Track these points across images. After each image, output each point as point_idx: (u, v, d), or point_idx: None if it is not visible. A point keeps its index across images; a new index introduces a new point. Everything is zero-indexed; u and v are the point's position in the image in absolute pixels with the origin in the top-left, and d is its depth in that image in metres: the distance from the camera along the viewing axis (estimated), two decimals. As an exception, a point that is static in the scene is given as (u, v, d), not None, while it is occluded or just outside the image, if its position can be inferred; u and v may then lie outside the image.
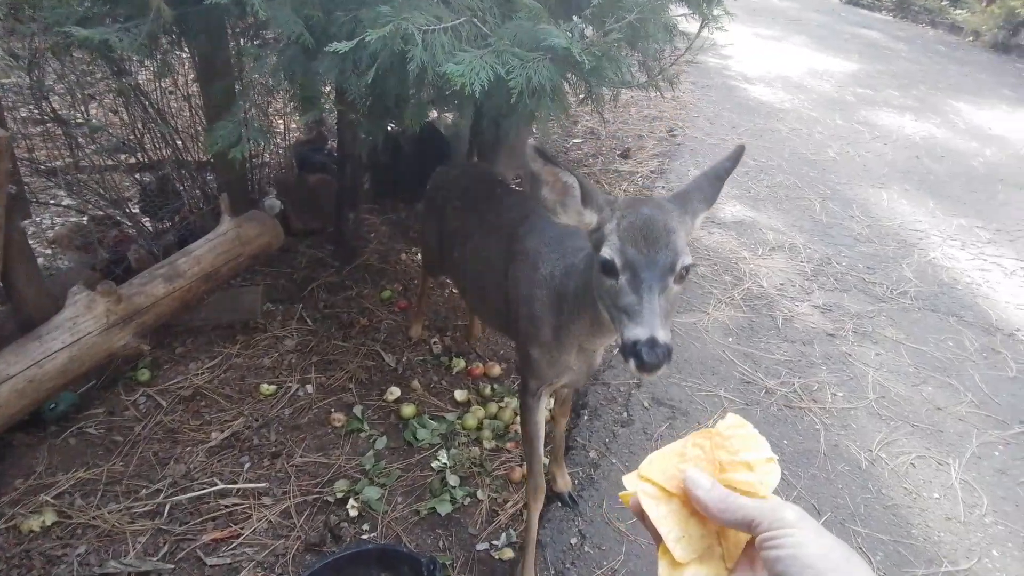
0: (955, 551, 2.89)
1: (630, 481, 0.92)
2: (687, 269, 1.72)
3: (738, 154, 1.97)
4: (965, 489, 3.20)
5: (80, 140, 4.69)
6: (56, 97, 5.01)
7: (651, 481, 0.89)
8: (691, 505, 0.87)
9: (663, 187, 6.28)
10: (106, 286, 3.27)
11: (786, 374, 3.92)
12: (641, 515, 0.90)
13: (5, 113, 4.96)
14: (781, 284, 4.85)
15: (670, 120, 8.17)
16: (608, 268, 1.73)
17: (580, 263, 2.18)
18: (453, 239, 3.12)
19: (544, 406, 2.56)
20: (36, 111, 4.43)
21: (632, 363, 1.59)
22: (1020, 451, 3.43)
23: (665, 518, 0.87)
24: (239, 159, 3.21)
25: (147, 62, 4.37)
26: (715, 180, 1.92)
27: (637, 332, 1.59)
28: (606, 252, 1.73)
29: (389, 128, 4.05)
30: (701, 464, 0.90)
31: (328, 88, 3.62)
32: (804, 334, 4.29)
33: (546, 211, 1.89)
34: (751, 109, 8.77)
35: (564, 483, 3.11)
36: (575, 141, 7.32)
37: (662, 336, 1.58)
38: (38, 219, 5.34)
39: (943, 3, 16.05)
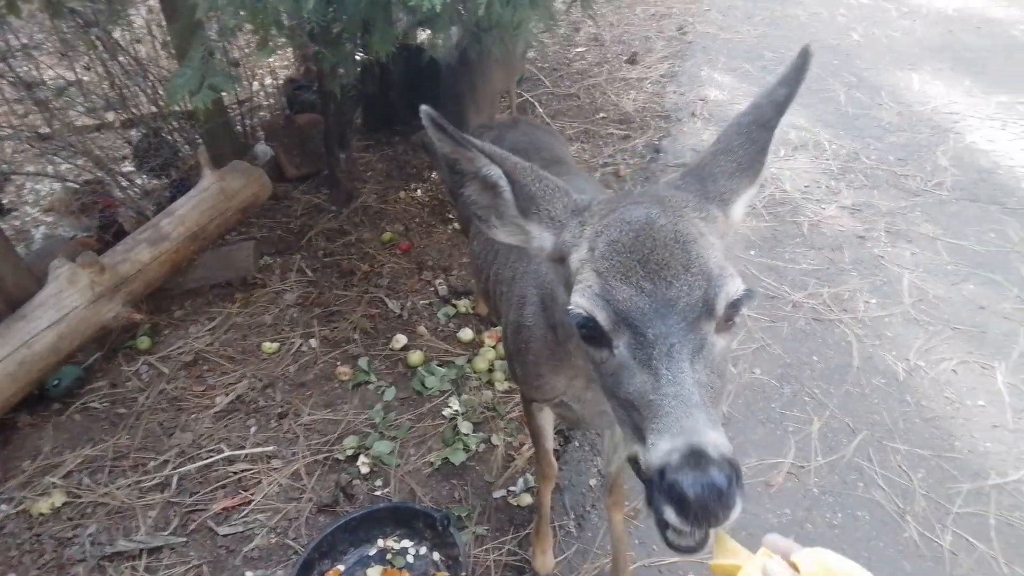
0: (1003, 462, 2.70)
1: None
2: (738, 305, 1.05)
3: (797, 72, 1.21)
4: (1013, 393, 2.98)
5: (55, 104, 4.49)
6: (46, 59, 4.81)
7: None
8: None
9: (674, 91, 5.88)
10: (86, 257, 3.12)
11: (814, 284, 3.66)
12: None
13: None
14: (806, 186, 4.52)
15: (679, 17, 7.61)
16: (589, 331, 1.07)
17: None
18: (476, 227, 2.46)
19: (549, 412, 2.12)
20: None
21: (669, 513, 0.90)
22: (1072, 347, 3.19)
23: None
24: (205, 107, 2.99)
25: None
26: (756, 130, 1.21)
27: (660, 449, 0.92)
28: (577, 303, 1.07)
29: (358, 57, 3.75)
30: None
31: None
32: (832, 239, 4.00)
33: (479, 223, 1.30)
34: (766, -4, 8.13)
35: None
36: (578, 50, 6.87)
37: (712, 441, 0.90)
38: (37, 187, 5.23)
39: None
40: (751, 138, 1.22)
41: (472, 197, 1.25)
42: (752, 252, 3.93)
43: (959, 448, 2.77)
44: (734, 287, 1.04)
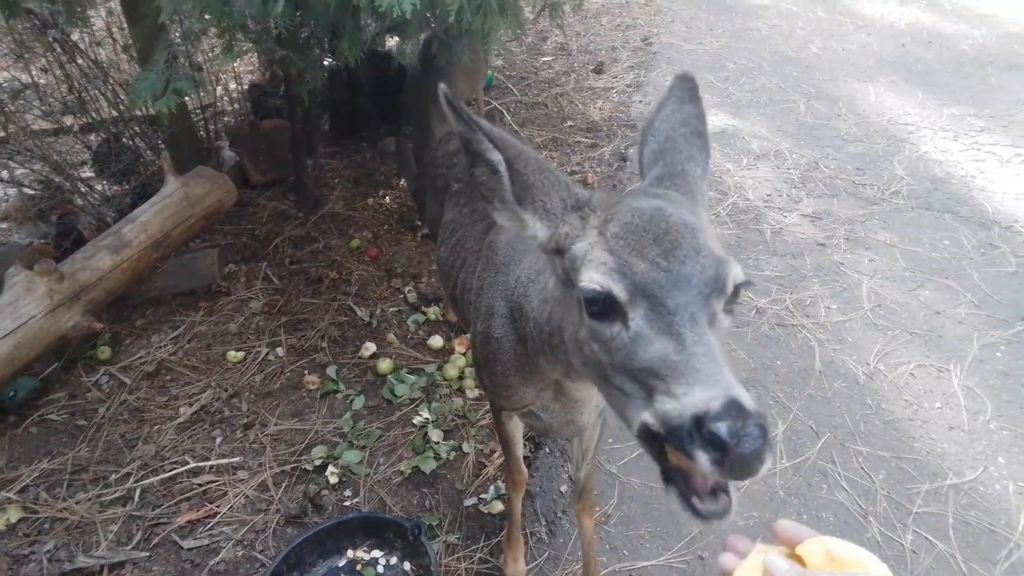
0: (960, 462, 2.79)
1: None
2: (739, 289, 1.11)
3: (692, 89, 1.41)
4: (968, 395, 3.08)
5: (10, 107, 4.37)
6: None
7: None
8: None
9: (640, 101, 5.96)
10: (44, 265, 3.04)
11: (777, 290, 3.74)
12: None
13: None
14: (768, 195, 4.62)
15: (644, 28, 7.73)
16: (602, 306, 1.09)
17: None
18: (443, 233, 2.48)
19: (518, 420, 2.10)
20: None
21: (703, 459, 0.90)
22: (1023, 350, 3.30)
23: None
24: (169, 111, 2.94)
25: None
26: (697, 140, 1.37)
27: (696, 397, 0.93)
28: (591, 279, 1.09)
29: (326, 63, 3.73)
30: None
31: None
32: (794, 246, 4.10)
33: (486, 204, 1.30)
34: (728, 8, 8.30)
35: None
36: (545, 59, 6.92)
37: (745, 395, 0.93)
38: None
39: None
40: (698, 146, 1.35)
41: (482, 178, 1.26)
42: (717, 259, 3.99)
43: (918, 449, 2.86)
44: (739, 272, 1.10)
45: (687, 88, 1.41)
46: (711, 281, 1.05)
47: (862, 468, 2.78)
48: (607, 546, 2.53)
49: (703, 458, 0.90)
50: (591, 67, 6.69)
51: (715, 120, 5.63)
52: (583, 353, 1.19)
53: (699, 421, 0.91)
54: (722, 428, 0.88)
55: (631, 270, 1.06)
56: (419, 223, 4.34)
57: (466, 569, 2.49)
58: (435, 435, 2.97)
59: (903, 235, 4.16)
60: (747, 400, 0.92)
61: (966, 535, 2.53)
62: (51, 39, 4.14)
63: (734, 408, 0.90)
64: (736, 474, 0.90)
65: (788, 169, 4.89)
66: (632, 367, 1.05)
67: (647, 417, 1.00)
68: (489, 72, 5.99)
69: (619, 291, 1.06)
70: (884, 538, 2.52)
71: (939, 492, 2.68)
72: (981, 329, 3.44)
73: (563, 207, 1.24)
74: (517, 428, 2.18)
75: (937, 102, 5.84)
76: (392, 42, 5.22)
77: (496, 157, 1.22)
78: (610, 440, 2.94)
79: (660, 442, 1.01)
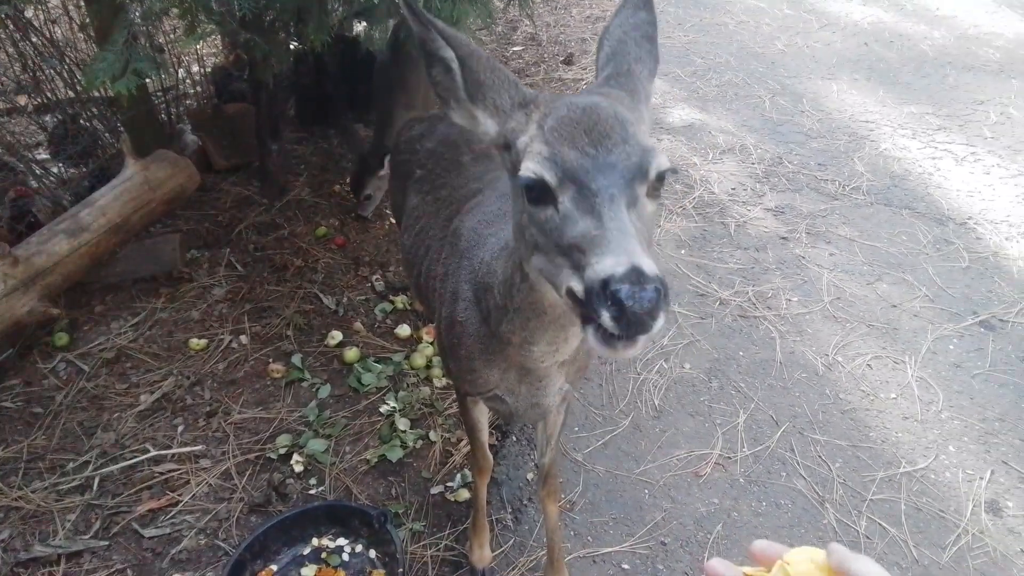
0: (912, 451, 2.89)
1: None
2: (663, 176, 1.19)
3: None
4: (921, 386, 3.18)
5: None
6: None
7: None
8: None
9: (609, 93, 5.98)
10: (-3, 248, 2.95)
11: (740, 283, 3.81)
12: None
13: None
14: (733, 189, 4.69)
15: (614, 20, 7.74)
16: (537, 191, 1.17)
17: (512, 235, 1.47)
18: (407, 220, 2.47)
19: (483, 406, 2.16)
20: None
21: (605, 315, 0.99)
22: (974, 343, 3.42)
23: None
24: (128, 93, 2.86)
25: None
26: (647, 43, 1.46)
27: (605, 264, 1.02)
28: (527, 168, 1.17)
29: (292, 47, 3.66)
30: None
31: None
32: (757, 240, 4.17)
33: (441, 103, 1.36)
34: (697, 2, 8.36)
35: None
36: (515, 49, 6.90)
37: (648, 263, 1.01)
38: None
39: None
40: (647, 50, 1.44)
41: (437, 78, 1.33)
42: (682, 251, 4.05)
43: (873, 438, 2.94)
44: (663, 160, 1.18)
45: None
46: (635, 167, 1.14)
47: (820, 456, 2.86)
48: (571, 532, 2.57)
49: (605, 315, 1.00)
50: (561, 58, 6.69)
51: (682, 114, 5.69)
52: (525, 238, 1.26)
53: (604, 284, 1.00)
54: (622, 289, 0.98)
55: (562, 158, 1.15)
56: (387, 211, 4.31)
57: (432, 556, 2.50)
58: (402, 424, 2.97)
59: (862, 230, 4.27)
60: (649, 267, 1.00)
61: (917, 521, 2.62)
62: (3, 16, 4.00)
63: (634, 273, 0.99)
64: (632, 329, 0.99)
65: (753, 164, 4.97)
66: (562, 244, 1.14)
67: (574, 283, 1.09)
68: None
69: (550, 177, 1.15)
70: (840, 524, 2.60)
71: (892, 479, 2.77)
72: (935, 322, 3.55)
73: (511, 104, 1.30)
74: (483, 414, 2.20)
75: (897, 100, 5.98)
76: (360, 27, 5.16)
77: (449, 55, 1.28)
78: (575, 428, 2.97)
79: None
